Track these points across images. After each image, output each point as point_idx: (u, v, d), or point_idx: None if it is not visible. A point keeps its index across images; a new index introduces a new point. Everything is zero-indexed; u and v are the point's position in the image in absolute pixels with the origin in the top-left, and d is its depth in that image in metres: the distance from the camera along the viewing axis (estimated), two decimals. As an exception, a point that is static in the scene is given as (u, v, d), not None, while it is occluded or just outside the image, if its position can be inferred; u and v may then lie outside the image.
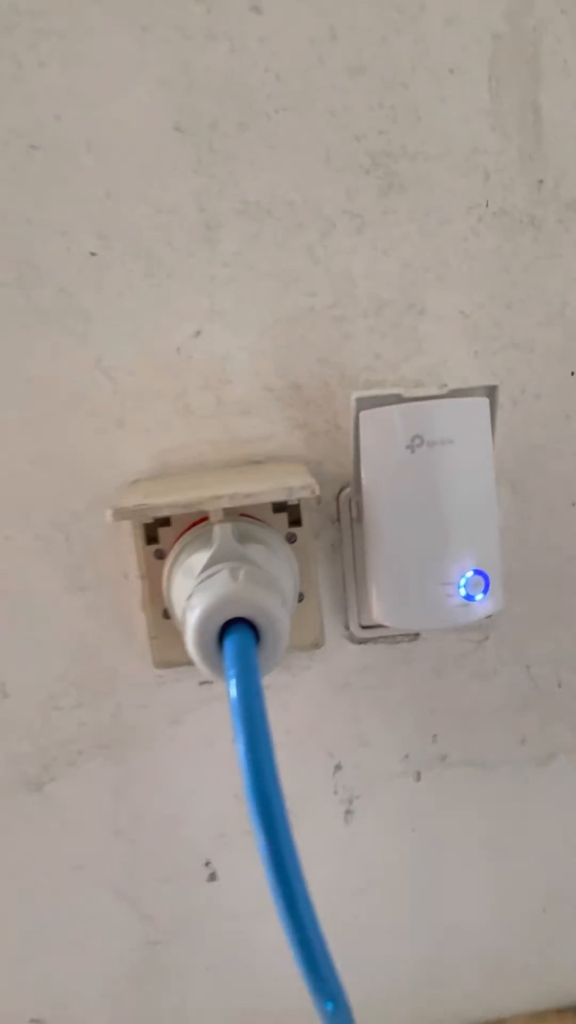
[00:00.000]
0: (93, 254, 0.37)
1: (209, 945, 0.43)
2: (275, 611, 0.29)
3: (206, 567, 0.32)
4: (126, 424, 0.39)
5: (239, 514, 0.37)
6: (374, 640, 0.42)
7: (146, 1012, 0.43)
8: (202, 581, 0.31)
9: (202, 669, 0.30)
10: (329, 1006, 0.30)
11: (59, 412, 0.38)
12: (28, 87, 0.36)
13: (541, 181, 0.38)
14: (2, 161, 0.36)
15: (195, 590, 0.31)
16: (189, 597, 0.31)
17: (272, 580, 0.31)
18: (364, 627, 0.41)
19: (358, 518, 0.39)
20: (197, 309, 0.38)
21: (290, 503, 0.38)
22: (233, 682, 0.28)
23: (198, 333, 0.38)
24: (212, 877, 0.42)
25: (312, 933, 0.29)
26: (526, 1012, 0.45)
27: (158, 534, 0.38)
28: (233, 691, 0.28)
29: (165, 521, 0.38)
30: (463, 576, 0.36)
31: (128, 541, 0.40)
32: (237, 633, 0.29)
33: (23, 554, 0.39)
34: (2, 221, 0.36)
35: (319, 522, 0.40)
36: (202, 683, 0.41)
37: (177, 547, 0.37)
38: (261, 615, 0.29)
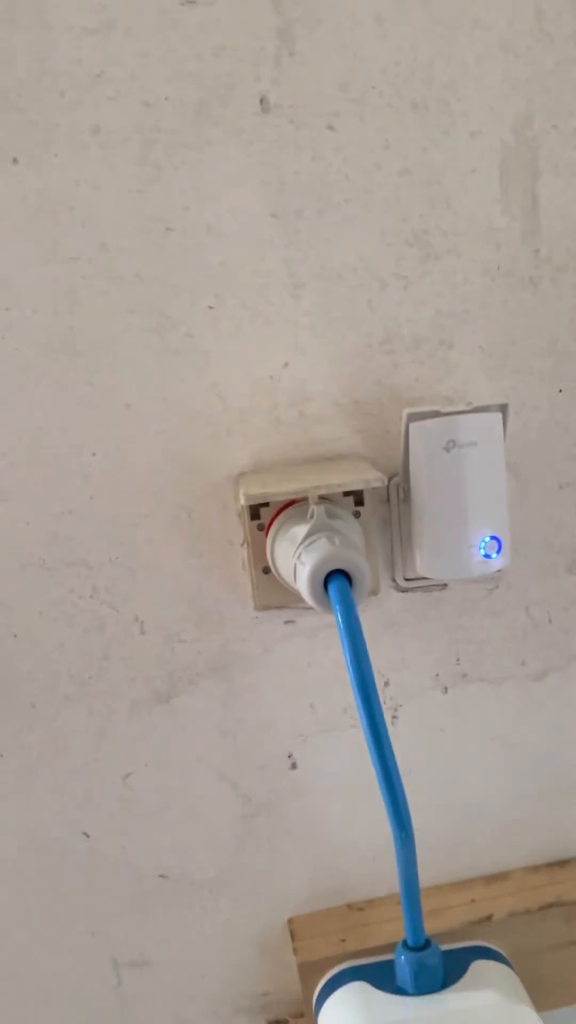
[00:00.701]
0: (211, 307, 0.51)
1: (291, 817, 0.57)
2: (362, 564, 0.43)
3: (308, 536, 0.46)
4: (233, 432, 0.52)
5: (320, 496, 0.51)
6: (413, 589, 0.56)
7: (243, 868, 0.58)
8: (308, 546, 0.45)
9: (313, 605, 0.44)
10: (402, 834, 0.45)
11: (185, 423, 0.52)
12: (165, 185, 0.49)
13: (537, 251, 0.52)
14: (147, 239, 0.49)
15: (302, 552, 0.45)
16: (298, 557, 0.45)
17: (355, 543, 0.46)
18: (407, 579, 0.55)
19: (405, 499, 0.53)
20: (285, 347, 0.52)
21: (356, 489, 0.52)
22: (339, 614, 0.42)
23: (286, 364, 0.52)
24: (293, 766, 0.57)
25: (395, 777, 0.43)
26: (525, 866, 0.60)
27: (260, 512, 0.52)
28: (340, 619, 0.42)
29: (265, 503, 0.52)
30: (482, 540, 0.50)
31: (233, 518, 0.53)
32: (338, 580, 0.43)
33: (157, 527, 0.53)
34: (146, 283, 0.50)
35: (374, 502, 0.54)
36: (286, 622, 0.55)
37: (277, 523, 0.51)
38: (353, 567, 0.43)
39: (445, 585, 0.56)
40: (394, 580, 0.55)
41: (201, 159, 0.49)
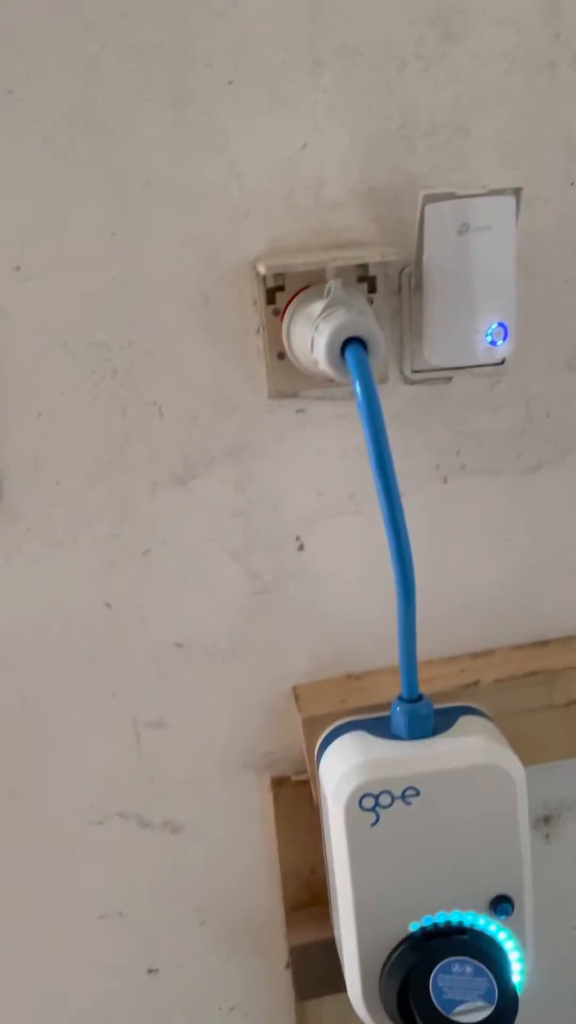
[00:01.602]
0: (230, 83, 0.50)
1: (297, 595, 0.62)
2: (377, 332, 0.46)
3: (326, 308, 0.48)
4: (250, 215, 0.53)
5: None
6: (420, 382, 0.58)
7: (252, 641, 0.62)
8: (325, 317, 0.47)
9: (329, 373, 0.47)
10: (405, 587, 0.49)
11: (203, 205, 0.52)
12: (185, -51, 0.48)
13: (558, 34, 0.52)
14: (167, 4, 0.49)
15: (320, 322, 0.47)
16: (316, 328, 0.47)
17: (371, 315, 0.48)
18: (414, 371, 0.58)
19: (416, 289, 0.54)
20: (304, 127, 0.52)
21: (369, 276, 0.53)
22: (356, 377, 0.45)
23: (304, 146, 0.52)
24: (301, 548, 0.61)
25: (400, 517, 0.47)
26: (510, 644, 0.65)
27: (275, 297, 0.54)
28: (357, 381, 0.45)
29: (280, 287, 0.53)
30: (490, 327, 0.53)
31: (250, 305, 0.55)
32: (355, 347, 0.46)
33: (175, 312, 0.54)
34: (166, 54, 0.49)
35: (387, 292, 0.55)
36: (298, 411, 0.58)
37: (292, 305, 0.52)
38: (369, 334, 0.46)
39: (450, 378, 0.58)
40: (402, 373, 0.58)
41: None
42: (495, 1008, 0.50)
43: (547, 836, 0.70)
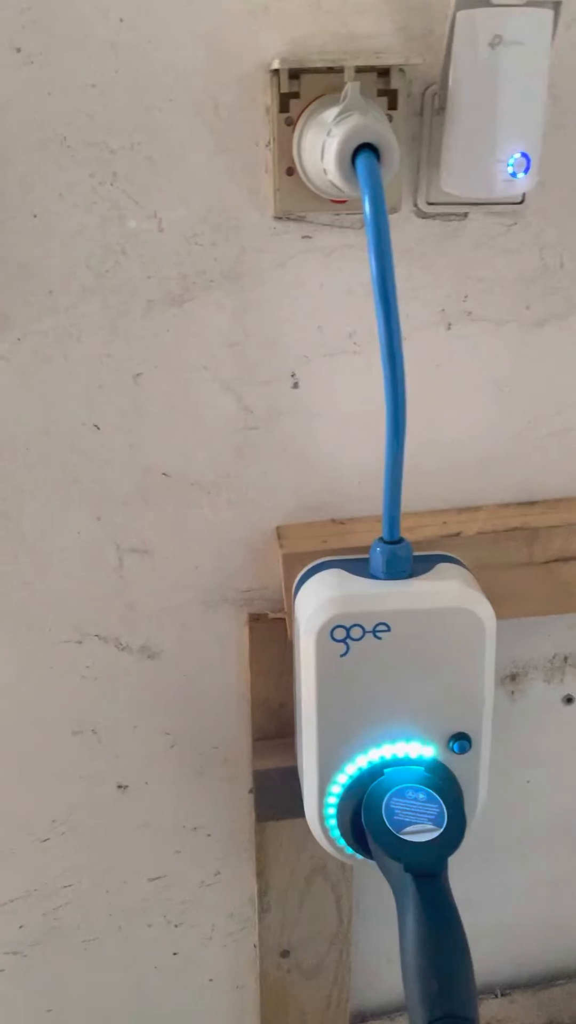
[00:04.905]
0: None
1: (288, 434, 0.61)
2: (394, 140, 0.43)
3: (341, 112, 0.45)
4: (270, 11, 0.49)
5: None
6: (434, 216, 0.56)
7: (239, 476, 0.62)
8: (339, 121, 0.44)
9: (337, 182, 0.44)
10: (392, 436, 0.48)
11: (219, -5, 0.49)
12: None
13: None
14: None
15: (333, 127, 0.45)
16: (328, 132, 0.45)
17: (388, 124, 0.45)
18: (429, 203, 0.55)
19: (439, 111, 0.51)
20: None
21: (391, 89, 0.50)
22: (367, 190, 0.43)
23: None
24: (295, 386, 0.60)
25: (399, 368, 0.46)
26: (498, 503, 0.65)
27: (289, 105, 0.50)
28: (366, 196, 0.43)
29: (295, 94, 0.50)
30: (512, 156, 0.50)
31: (261, 115, 0.52)
32: (367, 154, 0.43)
33: (182, 115, 0.51)
34: None
35: (408, 111, 0.52)
36: (303, 237, 0.56)
37: (306, 114, 0.50)
38: (384, 141, 0.43)
39: (465, 214, 0.56)
40: (416, 204, 0.55)
41: None
42: (443, 831, 0.53)
43: (512, 693, 0.72)
